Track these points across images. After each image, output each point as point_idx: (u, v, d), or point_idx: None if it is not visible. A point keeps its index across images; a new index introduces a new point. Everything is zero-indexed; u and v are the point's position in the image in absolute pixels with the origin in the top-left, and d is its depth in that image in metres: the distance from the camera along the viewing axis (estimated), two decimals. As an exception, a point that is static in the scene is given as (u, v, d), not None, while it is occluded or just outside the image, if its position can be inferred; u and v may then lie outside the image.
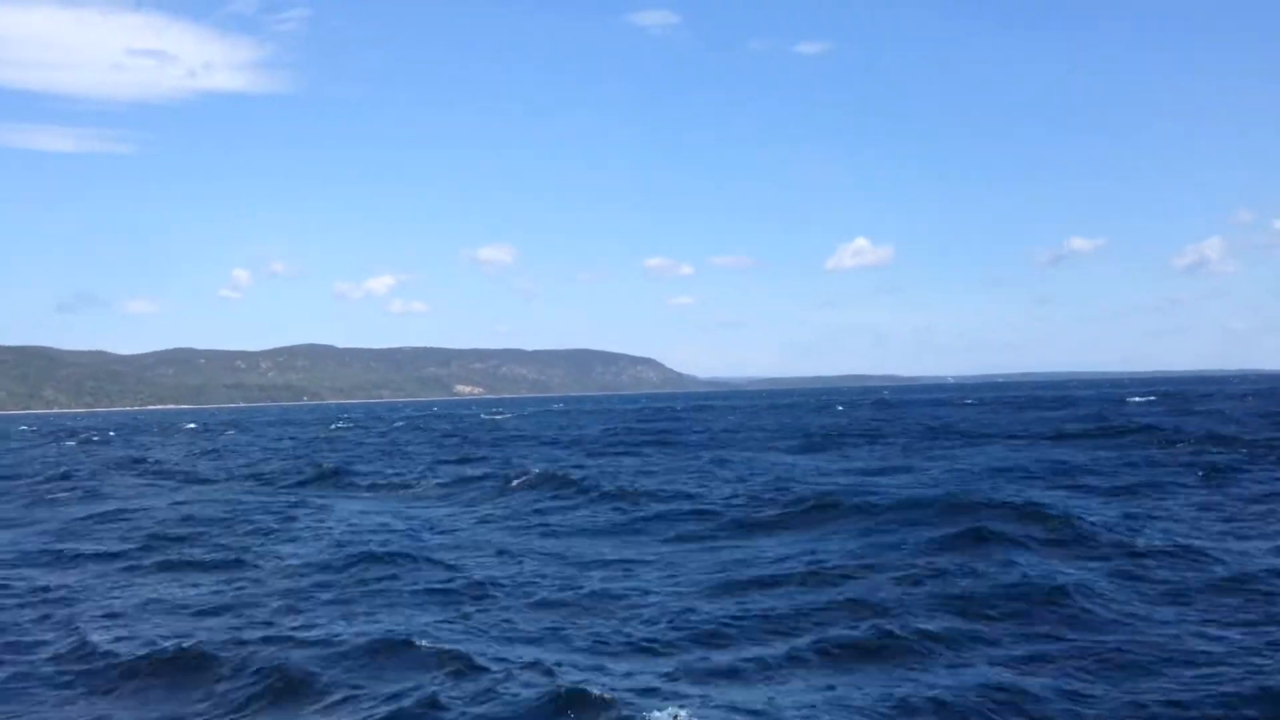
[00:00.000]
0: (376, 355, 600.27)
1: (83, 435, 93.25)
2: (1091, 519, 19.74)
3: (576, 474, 33.28)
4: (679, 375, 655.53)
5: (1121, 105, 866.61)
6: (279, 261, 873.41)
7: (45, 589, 17.94)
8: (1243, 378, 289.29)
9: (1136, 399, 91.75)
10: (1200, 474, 27.94)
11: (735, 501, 25.54)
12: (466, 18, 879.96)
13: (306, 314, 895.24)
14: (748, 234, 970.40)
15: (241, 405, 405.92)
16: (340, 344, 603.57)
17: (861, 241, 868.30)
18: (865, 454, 41.78)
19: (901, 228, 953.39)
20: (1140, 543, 17.44)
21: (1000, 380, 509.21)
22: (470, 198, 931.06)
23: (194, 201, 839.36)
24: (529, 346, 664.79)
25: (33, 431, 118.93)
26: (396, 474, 39.52)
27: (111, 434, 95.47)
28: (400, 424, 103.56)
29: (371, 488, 35.25)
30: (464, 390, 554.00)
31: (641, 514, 24.42)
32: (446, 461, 45.87)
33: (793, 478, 30.98)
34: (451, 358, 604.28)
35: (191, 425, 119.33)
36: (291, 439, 76.16)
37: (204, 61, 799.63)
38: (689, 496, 27.01)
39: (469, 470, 39.09)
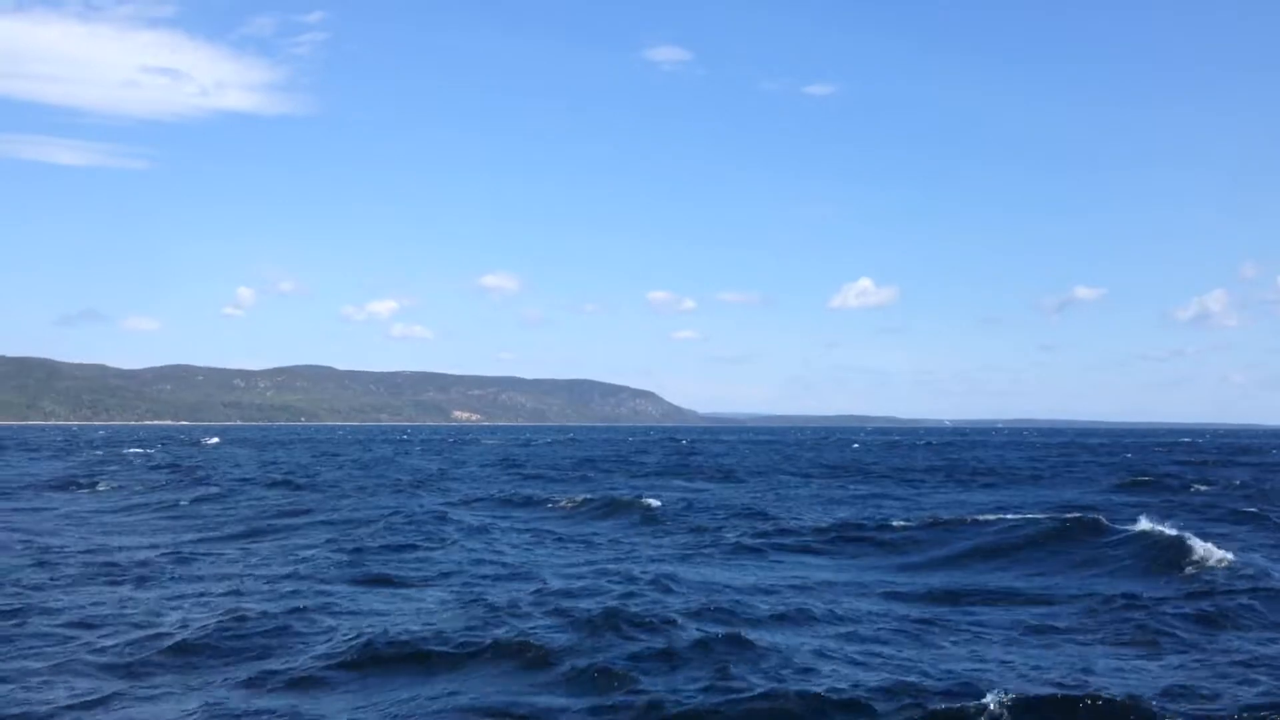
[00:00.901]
0: (376, 378, 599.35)
1: (131, 449, 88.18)
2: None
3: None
4: (678, 409, 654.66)
5: (1128, 154, 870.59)
6: (284, 281, 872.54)
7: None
8: (1251, 433, 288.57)
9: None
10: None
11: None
12: (480, 48, 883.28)
13: (308, 335, 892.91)
14: (753, 271, 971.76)
15: (238, 423, 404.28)
16: (340, 366, 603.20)
17: (865, 282, 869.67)
18: (928, 485, 41.25)
19: (906, 269, 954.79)
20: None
21: (1000, 425, 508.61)
22: (477, 225, 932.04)
23: (201, 219, 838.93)
24: (528, 375, 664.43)
25: (62, 441, 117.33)
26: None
27: (157, 448, 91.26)
28: (475, 446, 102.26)
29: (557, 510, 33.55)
30: (461, 416, 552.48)
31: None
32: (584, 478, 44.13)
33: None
34: (451, 384, 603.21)
35: (215, 440, 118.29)
36: (390, 455, 72.53)
37: (217, 81, 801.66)
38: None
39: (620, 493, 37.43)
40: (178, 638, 13.45)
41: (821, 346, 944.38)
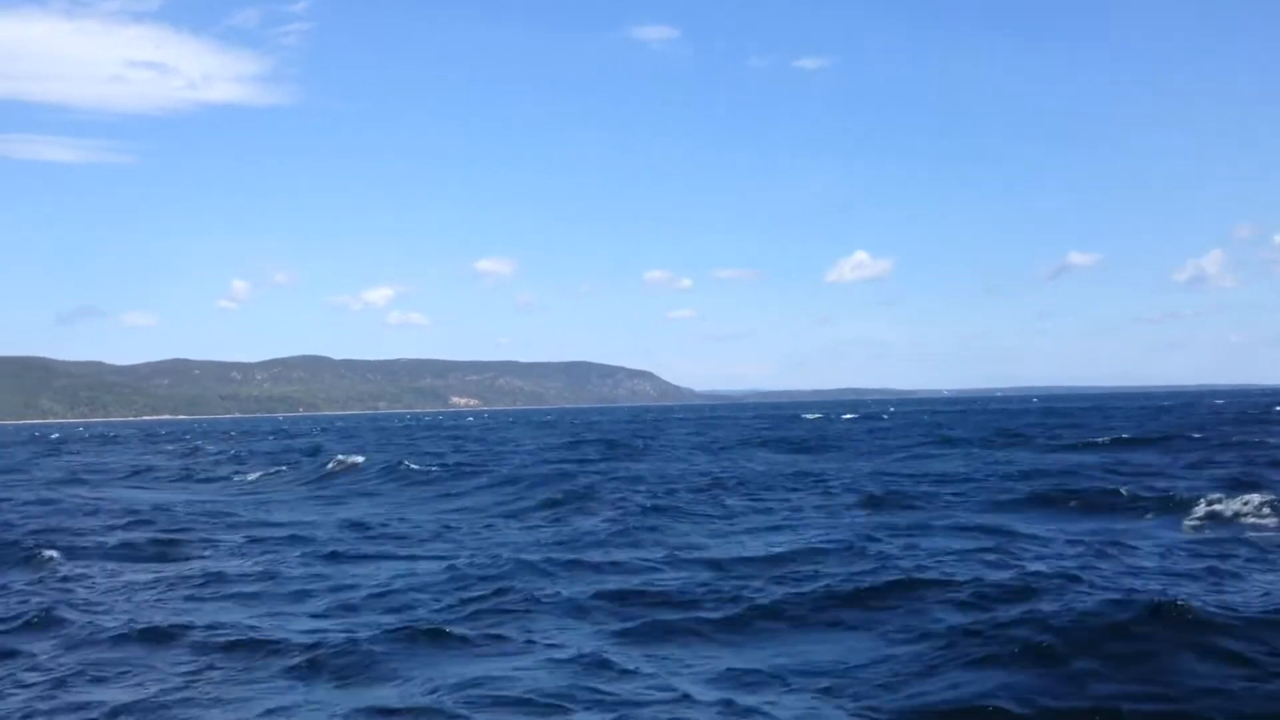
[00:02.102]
0: (373, 367, 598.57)
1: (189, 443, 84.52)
2: None
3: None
4: (676, 388, 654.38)
5: (1121, 117, 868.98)
6: (279, 273, 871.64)
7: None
8: (1246, 392, 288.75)
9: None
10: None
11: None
12: (467, 33, 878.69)
13: (303, 325, 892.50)
14: (748, 247, 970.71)
15: (237, 416, 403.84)
16: (337, 355, 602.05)
17: (861, 255, 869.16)
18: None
19: (901, 241, 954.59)
20: None
21: (998, 394, 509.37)
22: (470, 210, 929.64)
23: (193, 212, 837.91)
24: (525, 359, 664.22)
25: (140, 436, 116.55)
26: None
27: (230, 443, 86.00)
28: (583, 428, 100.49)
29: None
30: (459, 402, 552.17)
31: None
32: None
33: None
34: (448, 369, 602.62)
35: (274, 432, 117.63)
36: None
37: (204, 74, 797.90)
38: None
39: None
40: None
41: (818, 321, 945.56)
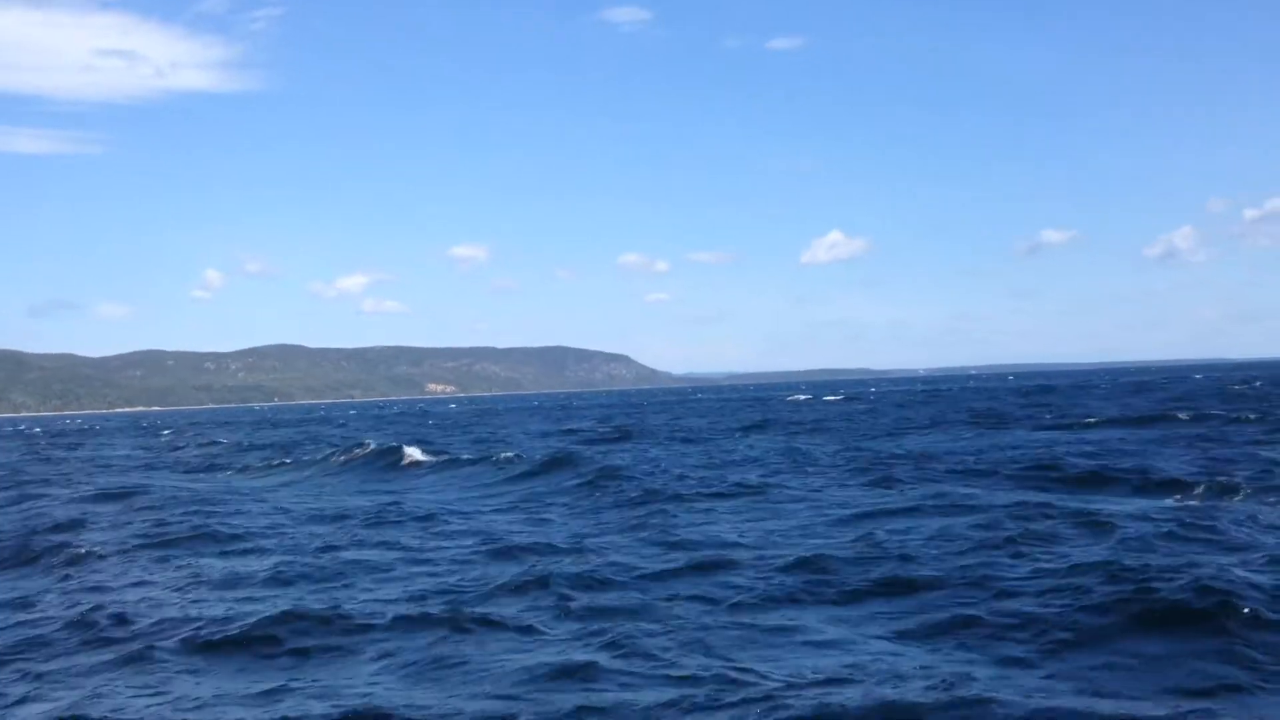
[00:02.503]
0: (347, 355, 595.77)
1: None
2: None
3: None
4: (653, 371, 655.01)
5: (1094, 95, 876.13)
6: (252, 262, 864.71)
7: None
8: (1213, 366, 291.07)
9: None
10: None
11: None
12: (438, 17, 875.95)
13: (278, 314, 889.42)
14: (724, 230, 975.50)
15: (211, 407, 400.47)
16: (311, 344, 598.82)
17: (836, 235, 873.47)
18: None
19: (876, 220, 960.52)
20: None
21: (973, 372, 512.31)
22: (445, 196, 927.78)
23: (165, 202, 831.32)
24: (501, 344, 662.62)
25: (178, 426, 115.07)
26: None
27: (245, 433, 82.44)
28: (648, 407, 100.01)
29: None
30: (435, 389, 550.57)
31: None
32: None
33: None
34: (424, 357, 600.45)
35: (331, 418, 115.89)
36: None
37: (172, 61, 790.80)
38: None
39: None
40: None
41: (795, 302, 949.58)
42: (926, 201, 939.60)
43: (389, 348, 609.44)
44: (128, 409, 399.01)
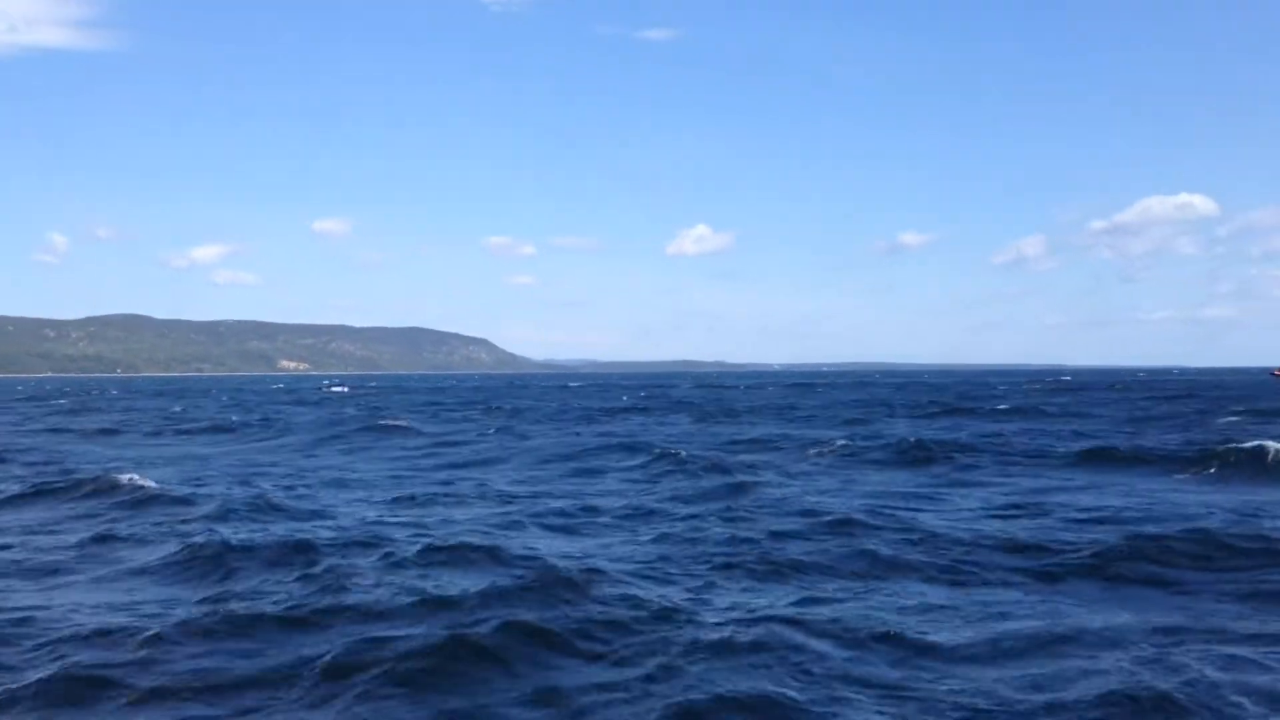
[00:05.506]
0: (197, 328, 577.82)
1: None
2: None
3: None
4: (513, 356, 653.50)
5: (955, 102, 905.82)
6: (102, 227, 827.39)
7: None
8: (1047, 372, 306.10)
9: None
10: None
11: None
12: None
13: (125, 282, 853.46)
14: (593, 216, 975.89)
15: (49, 375, 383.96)
16: (159, 315, 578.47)
17: (702, 228, 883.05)
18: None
19: (742, 215, 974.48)
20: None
21: (825, 369, 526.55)
22: (308, 168, 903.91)
23: (10, 161, 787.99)
24: (359, 323, 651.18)
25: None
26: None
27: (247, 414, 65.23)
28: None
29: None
30: (288, 366, 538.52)
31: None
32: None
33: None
34: (278, 332, 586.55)
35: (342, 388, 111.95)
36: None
37: (26, 17, 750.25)
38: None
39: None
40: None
41: (659, 292, 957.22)
42: (794, 199, 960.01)
43: (241, 322, 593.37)
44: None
